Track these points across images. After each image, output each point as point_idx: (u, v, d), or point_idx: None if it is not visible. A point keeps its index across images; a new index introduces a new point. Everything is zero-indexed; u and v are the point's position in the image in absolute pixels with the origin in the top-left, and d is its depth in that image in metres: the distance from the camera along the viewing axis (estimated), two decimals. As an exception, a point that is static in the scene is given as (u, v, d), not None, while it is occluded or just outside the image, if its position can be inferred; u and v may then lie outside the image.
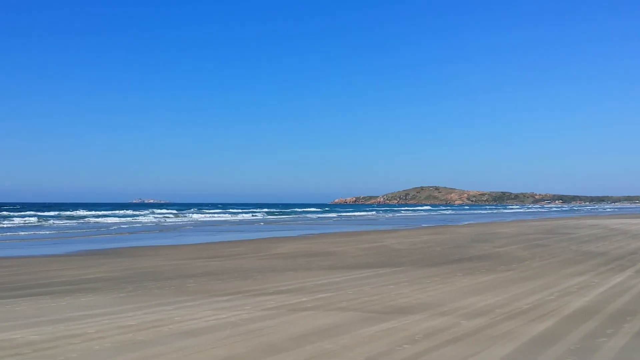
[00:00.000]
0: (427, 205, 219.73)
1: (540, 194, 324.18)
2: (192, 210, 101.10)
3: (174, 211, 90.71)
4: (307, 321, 8.71)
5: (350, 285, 12.66)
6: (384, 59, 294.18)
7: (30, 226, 47.50)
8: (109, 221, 58.11)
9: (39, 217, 61.72)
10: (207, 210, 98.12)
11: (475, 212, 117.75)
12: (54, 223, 52.84)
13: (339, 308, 9.82)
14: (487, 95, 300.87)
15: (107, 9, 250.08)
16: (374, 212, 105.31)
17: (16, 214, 71.43)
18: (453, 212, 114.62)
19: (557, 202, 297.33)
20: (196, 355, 6.75)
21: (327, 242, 27.69)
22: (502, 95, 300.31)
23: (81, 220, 58.09)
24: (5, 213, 72.71)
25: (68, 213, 76.66)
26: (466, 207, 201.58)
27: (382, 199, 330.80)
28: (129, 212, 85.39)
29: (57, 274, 15.52)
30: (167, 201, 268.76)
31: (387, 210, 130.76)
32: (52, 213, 74.92)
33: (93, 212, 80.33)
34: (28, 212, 75.03)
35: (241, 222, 60.55)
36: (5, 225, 47.94)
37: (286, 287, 12.58)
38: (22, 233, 37.49)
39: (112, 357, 6.70)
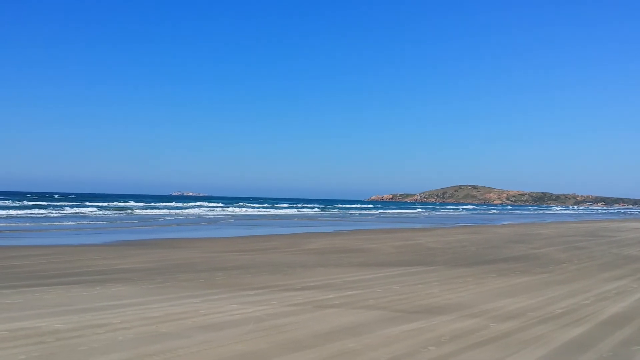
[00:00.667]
0: (470, 204, 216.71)
1: (582, 195, 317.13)
2: (240, 203, 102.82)
3: (221, 204, 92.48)
4: (332, 318, 8.59)
5: (379, 283, 12.49)
6: (421, 54, 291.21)
7: (80, 216, 48.60)
8: (155, 213, 59.46)
9: (97, 207, 63.46)
10: (252, 205, 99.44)
11: (521, 212, 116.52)
12: (104, 213, 54.09)
13: (365, 306, 9.67)
14: (530, 93, 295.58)
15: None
16: (418, 210, 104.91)
17: (68, 204, 73.77)
18: (497, 211, 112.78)
19: (599, 204, 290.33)
20: (216, 350, 6.70)
21: (361, 238, 27.53)
22: (545, 93, 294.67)
23: (128, 212, 59.35)
24: (60, 203, 74.90)
25: (119, 204, 78.54)
26: (509, 207, 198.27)
27: (419, 197, 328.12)
28: (180, 204, 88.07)
29: (92, 264, 15.74)
30: (207, 194, 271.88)
31: (432, 208, 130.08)
32: (104, 204, 76.85)
33: (141, 204, 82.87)
34: (85, 203, 77.43)
35: (281, 216, 61.01)
36: (54, 215, 49.07)
37: (315, 283, 12.49)
38: (69, 223, 38.22)
39: (134, 348, 6.70)
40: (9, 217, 43.24)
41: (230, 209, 76.92)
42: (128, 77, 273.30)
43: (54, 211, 54.11)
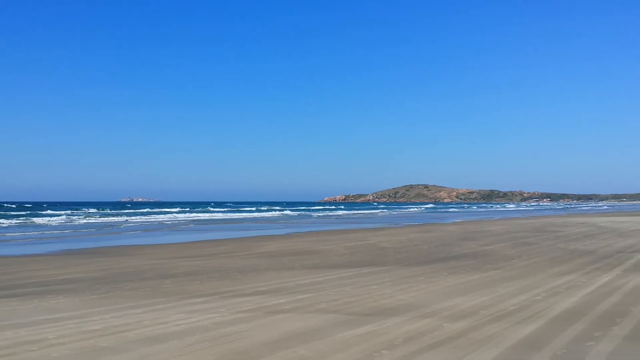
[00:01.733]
0: (430, 203, 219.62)
1: (528, 192, 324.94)
2: (207, 208, 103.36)
3: (186, 209, 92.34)
4: (283, 325, 8.30)
5: (331, 286, 12.27)
6: (373, 56, 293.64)
7: (33, 225, 46.73)
8: (114, 220, 58.15)
9: (53, 216, 61.80)
10: (212, 209, 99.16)
11: (477, 209, 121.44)
12: (58, 222, 52.34)
13: (317, 310, 9.42)
14: (476, 93, 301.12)
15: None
16: (377, 210, 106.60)
17: (23, 213, 71.72)
18: (457, 210, 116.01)
19: (544, 200, 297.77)
20: (159, 364, 6.34)
21: (313, 240, 27.31)
22: (490, 93, 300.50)
23: (82, 220, 57.65)
24: (18, 212, 72.56)
25: (76, 212, 76.81)
26: (465, 204, 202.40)
27: (371, 197, 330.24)
28: (143, 210, 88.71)
29: (34, 274, 15.07)
30: (158, 200, 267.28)
31: (395, 207, 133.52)
32: (61, 212, 74.60)
33: (105, 211, 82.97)
34: (41, 212, 74.98)
35: (237, 220, 60.72)
36: (5, 224, 47.10)
37: (266, 287, 12.17)
38: (20, 233, 36.43)
39: (69, 365, 6.28)
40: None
41: (191, 214, 76.34)
42: (63, 80, 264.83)
43: (6, 221, 51.94)
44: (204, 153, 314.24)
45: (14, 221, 51.98)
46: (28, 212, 75.54)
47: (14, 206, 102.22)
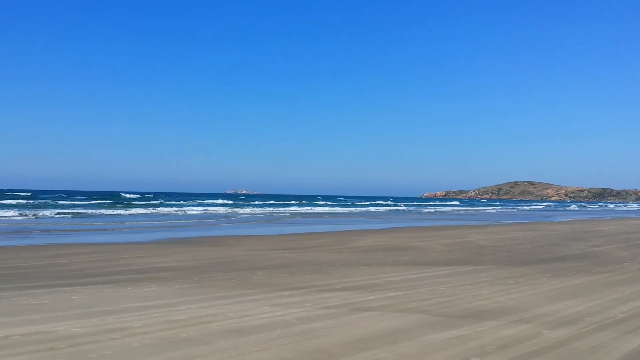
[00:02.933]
0: (548, 201, 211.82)
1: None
2: (315, 201, 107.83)
3: (293, 202, 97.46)
4: (368, 323, 7.94)
5: (424, 284, 11.76)
6: (474, 49, 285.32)
7: (150, 215, 49.23)
8: (226, 211, 60.92)
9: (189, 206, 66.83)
10: (323, 202, 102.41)
11: (603, 208, 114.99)
12: (170, 211, 55.20)
13: (406, 309, 8.97)
14: (586, 88, 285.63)
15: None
16: (499, 207, 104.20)
17: (169, 202, 78.70)
18: (578, 208, 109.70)
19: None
20: (235, 358, 6.14)
21: (410, 235, 26.73)
22: (603, 89, 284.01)
23: (196, 210, 60.59)
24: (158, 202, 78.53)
25: (199, 202, 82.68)
26: (583, 203, 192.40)
27: (473, 194, 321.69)
28: (253, 202, 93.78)
29: (132, 262, 15.53)
30: (260, 192, 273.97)
31: (513, 205, 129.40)
32: (189, 202, 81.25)
33: (221, 202, 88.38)
34: (180, 202, 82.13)
35: (340, 214, 61.14)
36: (125, 213, 49.81)
37: (355, 283, 11.85)
38: (133, 222, 38.22)
39: (146, 355, 6.19)
40: (77, 216, 44.05)
41: (299, 207, 78.95)
42: (180, 77, 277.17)
43: (143, 210, 55.73)
44: (307, 148, 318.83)
45: (149, 210, 56.04)
46: (158, 201, 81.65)
47: (138, 196, 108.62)
